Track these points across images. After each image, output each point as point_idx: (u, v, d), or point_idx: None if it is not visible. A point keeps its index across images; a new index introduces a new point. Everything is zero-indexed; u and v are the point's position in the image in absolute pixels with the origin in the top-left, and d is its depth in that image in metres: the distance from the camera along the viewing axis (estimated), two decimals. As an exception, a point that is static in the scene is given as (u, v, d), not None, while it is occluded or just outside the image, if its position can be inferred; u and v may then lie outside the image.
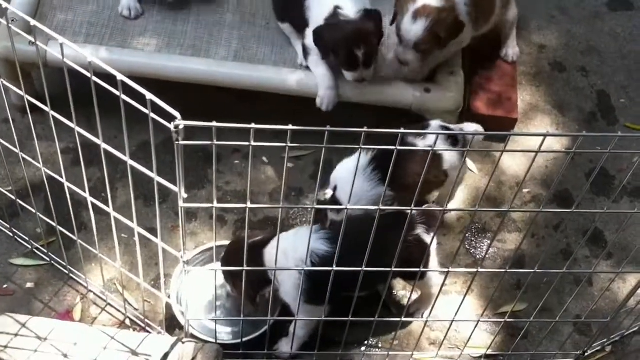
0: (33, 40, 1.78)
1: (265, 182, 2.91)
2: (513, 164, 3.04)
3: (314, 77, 2.78)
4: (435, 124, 2.58)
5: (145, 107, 1.65)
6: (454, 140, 2.55)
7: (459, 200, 2.94)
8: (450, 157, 2.54)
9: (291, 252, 2.24)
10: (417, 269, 2.15)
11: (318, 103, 2.78)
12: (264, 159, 2.97)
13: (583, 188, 2.93)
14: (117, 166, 2.78)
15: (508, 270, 2.17)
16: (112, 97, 1.70)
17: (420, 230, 2.35)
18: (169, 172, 2.16)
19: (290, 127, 1.60)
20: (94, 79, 1.71)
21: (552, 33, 3.44)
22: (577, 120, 3.20)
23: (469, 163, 3.01)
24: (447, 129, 2.57)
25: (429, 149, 1.76)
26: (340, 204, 2.43)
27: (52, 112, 1.92)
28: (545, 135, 1.70)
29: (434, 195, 2.76)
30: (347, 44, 2.63)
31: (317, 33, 2.67)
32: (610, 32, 3.45)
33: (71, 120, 1.89)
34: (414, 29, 2.63)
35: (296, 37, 2.90)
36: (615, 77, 3.33)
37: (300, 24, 2.79)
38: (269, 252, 2.29)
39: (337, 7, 2.66)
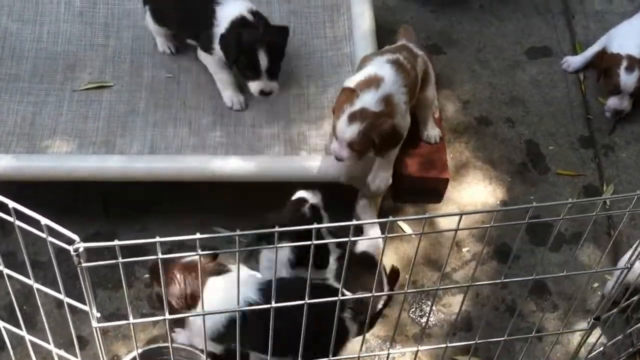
0: None
1: (196, 273, 2.81)
2: (451, 223, 2.98)
3: (234, 162, 2.71)
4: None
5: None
6: None
7: (395, 263, 2.85)
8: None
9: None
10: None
11: (228, 105, 2.90)
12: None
13: (521, 239, 2.88)
14: (40, 271, 2.65)
15: (449, 345, 2.08)
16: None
17: (346, 315, 2.23)
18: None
19: (197, 235, 1.55)
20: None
21: (474, 87, 3.43)
22: (508, 172, 3.17)
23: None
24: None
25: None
26: None
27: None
28: (460, 214, 1.68)
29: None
30: (251, 48, 2.72)
31: (224, 37, 2.76)
32: (532, 81, 3.46)
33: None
34: (348, 130, 2.55)
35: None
36: (542, 124, 3.32)
37: (202, 30, 2.84)
38: (208, 296, 2.13)
39: (242, 17, 2.76)
